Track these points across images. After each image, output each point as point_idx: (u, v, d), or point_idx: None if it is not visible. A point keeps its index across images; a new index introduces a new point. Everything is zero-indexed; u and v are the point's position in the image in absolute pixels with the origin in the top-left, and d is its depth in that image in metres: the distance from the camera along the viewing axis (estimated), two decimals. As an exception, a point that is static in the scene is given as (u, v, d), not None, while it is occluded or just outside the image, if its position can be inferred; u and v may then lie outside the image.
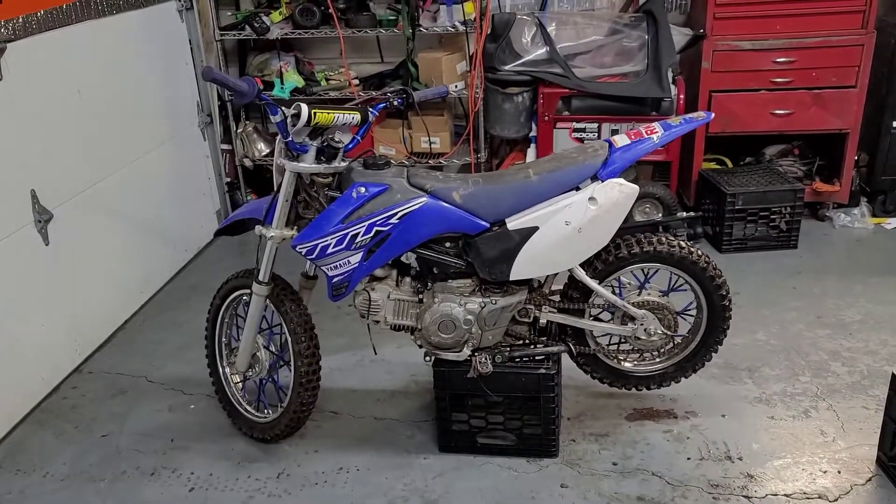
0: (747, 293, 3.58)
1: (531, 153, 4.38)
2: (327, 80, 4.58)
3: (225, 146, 4.72)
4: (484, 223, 2.37)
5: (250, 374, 2.74)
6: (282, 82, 4.42)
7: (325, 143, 2.36)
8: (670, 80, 4.03)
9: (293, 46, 4.71)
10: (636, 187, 2.37)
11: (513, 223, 2.36)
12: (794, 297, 3.57)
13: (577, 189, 2.36)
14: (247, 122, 4.73)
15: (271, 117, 2.28)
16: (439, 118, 4.49)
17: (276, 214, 2.45)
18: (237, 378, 2.82)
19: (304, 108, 2.21)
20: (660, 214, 4.13)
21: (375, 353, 2.91)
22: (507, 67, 4.21)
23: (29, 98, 3.03)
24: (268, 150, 4.66)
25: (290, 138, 2.31)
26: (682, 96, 4.07)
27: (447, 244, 2.45)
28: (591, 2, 4.57)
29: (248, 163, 4.68)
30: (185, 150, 4.32)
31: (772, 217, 4.01)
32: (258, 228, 2.50)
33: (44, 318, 3.10)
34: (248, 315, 2.63)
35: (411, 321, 2.53)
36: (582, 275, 2.48)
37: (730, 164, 4.52)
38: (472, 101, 4.28)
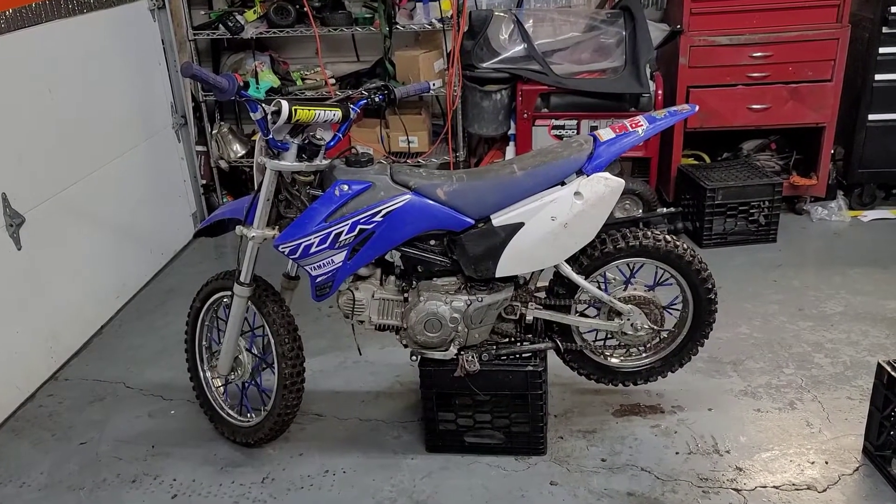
0: (729, 287, 3.59)
1: (510, 151, 4.36)
2: (303, 79, 4.53)
3: (200, 148, 4.64)
4: (469, 220, 2.34)
5: (232, 377, 2.69)
6: (257, 82, 4.36)
7: (306, 141, 2.32)
8: (648, 75, 4.03)
9: (268, 46, 4.65)
10: (622, 181, 2.36)
11: (498, 219, 2.34)
12: (776, 290, 3.59)
13: (563, 184, 2.34)
14: (221, 123, 4.67)
15: (251, 114, 2.24)
16: (417, 117, 4.46)
17: (258, 214, 2.41)
18: (219, 382, 2.77)
19: (285, 104, 2.17)
20: (640, 211, 4.13)
21: (360, 354, 2.87)
22: (485, 65, 4.19)
23: (-2, 99, 2.96)
24: (243, 152, 4.60)
25: (270, 136, 2.26)
26: (660, 92, 4.08)
27: (432, 242, 2.42)
28: (568, -2, 4.58)
29: (223, 164, 4.62)
30: (160, 151, 4.25)
31: (751, 211, 4.03)
32: (239, 229, 2.45)
33: (17, 325, 3.02)
34: (229, 317, 2.58)
35: (396, 320, 2.50)
36: (568, 270, 2.46)
37: (707, 160, 4.54)
38: (450, 99, 4.26)
